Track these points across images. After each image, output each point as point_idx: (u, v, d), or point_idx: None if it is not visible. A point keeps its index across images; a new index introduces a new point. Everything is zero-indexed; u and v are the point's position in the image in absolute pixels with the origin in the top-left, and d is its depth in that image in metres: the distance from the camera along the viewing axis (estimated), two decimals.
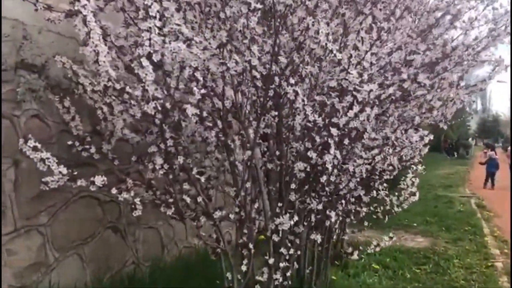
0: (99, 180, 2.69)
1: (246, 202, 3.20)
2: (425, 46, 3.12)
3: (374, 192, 4.26)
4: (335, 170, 3.11)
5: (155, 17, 2.36)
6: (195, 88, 2.60)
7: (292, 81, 2.57)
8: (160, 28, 2.46)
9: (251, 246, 3.12)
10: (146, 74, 2.30)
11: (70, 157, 3.42)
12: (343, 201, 3.91)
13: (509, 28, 3.25)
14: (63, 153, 3.42)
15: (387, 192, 4.38)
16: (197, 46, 2.65)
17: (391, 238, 3.91)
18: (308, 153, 2.79)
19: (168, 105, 2.59)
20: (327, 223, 3.26)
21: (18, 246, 3.45)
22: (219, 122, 3.03)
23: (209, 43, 2.88)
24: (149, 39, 2.31)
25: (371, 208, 4.35)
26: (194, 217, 3.06)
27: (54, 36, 3.56)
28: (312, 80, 3.26)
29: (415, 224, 9.05)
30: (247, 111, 3.34)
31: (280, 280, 3.09)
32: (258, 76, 2.79)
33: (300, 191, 3.29)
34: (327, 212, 3.17)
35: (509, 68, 3.40)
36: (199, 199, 3.07)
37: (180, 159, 2.86)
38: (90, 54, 2.27)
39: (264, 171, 3.39)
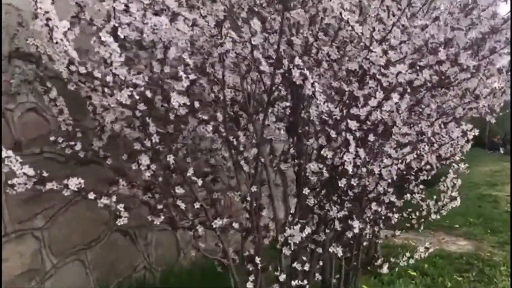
0: (73, 183, 2.22)
1: (253, 208, 2.67)
2: (469, 20, 2.49)
3: (408, 195, 3.62)
4: (359, 171, 2.53)
5: None
6: (181, 73, 2.09)
7: (299, 61, 2.01)
8: None
9: (258, 260, 2.59)
10: (110, 54, 1.81)
11: (73, 154, 3.00)
12: (371, 207, 3.32)
13: None
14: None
15: (423, 196, 3.73)
16: (186, 22, 2.13)
17: (427, 249, 3.28)
18: (322, 152, 2.23)
19: (148, 93, 2.09)
20: (350, 234, 2.67)
21: (8, 252, 3.07)
22: (219, 115, 2.50)
23: (207, 22, 2.36)
24: (114, 8, 1.81)
25: (404, 214, 3.71)
26: (190, 226, 2.55)
27: None
28: (334, 66, 2.69)
29: (457, 226, 8.21)
30: (255, 103, 2.80)
31: None
32: (262, 59, 2.25)
33: (319, 195, 2.74)
34: (349, 221, 2.59)
35: None
36: (197, 205, 2.56)
37: (170, 159, 2.36)
38: (42, 30, 1.79)
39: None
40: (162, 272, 4.38)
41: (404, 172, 3.19)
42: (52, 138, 2.76)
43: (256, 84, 2.73)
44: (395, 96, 2.03)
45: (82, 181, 2.27)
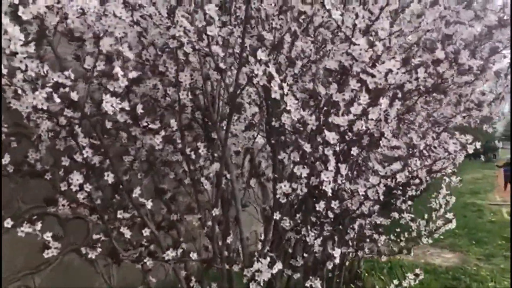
0: None
1: (215, 235, 2.18)
2: (471, 13, 2.05)
3: (396, 214, 3.17)
4: (340, 192, 2.07)
5: None
6: (117, 70, 1.61)
7: (261, 55, 1.53)
8: None
9: None
10: (11, 43, 1.33)
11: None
12: (354, 227, 2.87)
13: None
14: None
15: (412, 215, 3.27)
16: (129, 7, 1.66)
17: (417, 275, 2.81)
18: (295, 170, 1.76)
19: (74, 95, 1.60)
20: (330, 265, 2.20)
21: None
22: (172, 122, 2.02)
23: (157, 10, 1.89)
24: None
25: (391, 236, 3.25)
26: (137, 259, 2.05)
27: None
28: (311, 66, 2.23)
29: (441, 237, 7.79)
30: (220, 107, 2.33)
31: None
32: (221, 53, 1.78)
33: (294, 217, 2.27)
34: (329, 249, 2.12)
35: None
36: (146, 231, 2.07)
37: (109, 177, 1.87)
38: None
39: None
40: None
41: (390, 189, 2.75)
42: None
43: (222, 85, 2.26)
44: (383, 102, 1.58)
45: None
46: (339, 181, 2.01)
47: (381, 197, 2.26)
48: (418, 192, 3.48)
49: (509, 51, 2.31)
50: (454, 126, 3.07)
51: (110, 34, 1.67)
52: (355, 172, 2.14)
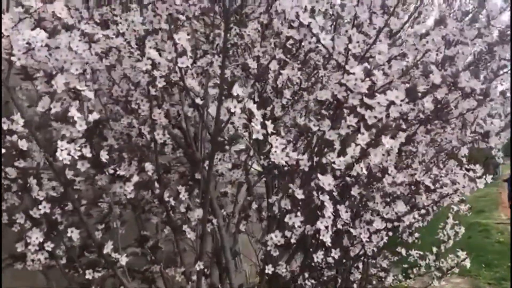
0: None
1: None
2: (475, 31, 1.83)
3: (403, 250, 2.90)
4: (340, 236, 1.82)
5: None
6: (73, 112, 1.37)
7: (239, 91, 1.28)
8: None
9: None
10: None
11: None
12: (358, 266, 2.62)
13: None
14: None
15: (420, 252, 3.00)
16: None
17: None
18: (287, 219, 1.51)
19: (24, 143, 1.37)
20: None
21: None
22: (147, 165, 1.79)
23: (125, 40, 1.68)
24: None
25: (400, 276, 2.98)
26: None
27: None
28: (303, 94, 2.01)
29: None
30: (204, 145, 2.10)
31: None
32: (195, 88, 1.55)
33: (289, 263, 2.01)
34: None
35: None
36: None
37: (73, 234, 1.61)
38: None
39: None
40: None
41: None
42: None
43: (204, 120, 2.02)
44: (387, 141, 1.33)
45: None
46: (339, 226, 1.76)
47: (385, 240, 2.01)
48: (425, 223, 3.22)
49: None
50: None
51: (65, 71, 1.44)
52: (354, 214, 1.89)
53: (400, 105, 1.31)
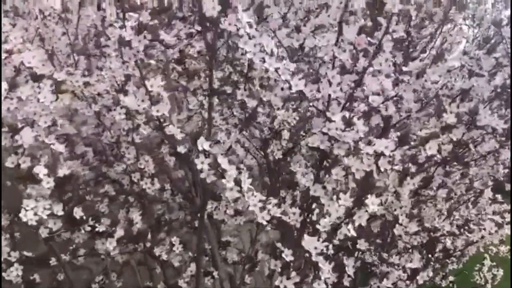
0: None
1: None
2: (493, 61, 1.63)
3: None
4: None
5: None
6: (40, 168, 1.28)
7: (205, 145, 1.14)
8: None
9: None
10: None
11: None
12: None
13: None
14: None
15: None
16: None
17: None
18: (278, 282, 1.34)
19: None
20: None
21: None
22: (136, 217, 1.67)
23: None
24: None
25: None
26: None
27: None
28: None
29: None
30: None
31: None
32: (177, 136, 1.42)
33: None
34: None
35: None
36: None
37: None
38: None
39: None
40: None
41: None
42: None
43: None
44: (371, 202, 1.14)
45: None
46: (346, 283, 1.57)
47: None
48: (461, 265, 2.95)
49: None
50: None
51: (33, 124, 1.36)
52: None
53: (390, 156, 1.13)
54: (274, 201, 1.31)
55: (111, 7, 1.44)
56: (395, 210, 1.65)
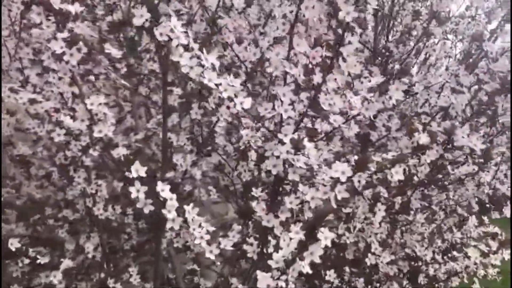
0: None
1: None
2: (472, 77, 1.51)
3: None
4: None
5: None
6: None
7: (163, 189, 1.00)
8: None
9: None
10: None
11: None
12: None
13: None
14: None
15: None
16: None
17: None
18: None
19: None
20: None
21: None
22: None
23: None
24: None
25: None
26: None
27: None
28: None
29: None
30: None
31: None
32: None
33: None
34: None
35: None
36: None
37: None
38: None
39: None
40: None
41: None
42: None
43: None
44: (323, 236, 1.00)
45: None
46: None
47: None
48: None
49: None
50: None
51: None
52: None
53: (347, 182, 1.00)
54: (237, 227, 1.19)
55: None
56: (369, 236, 1.52)
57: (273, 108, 1.10)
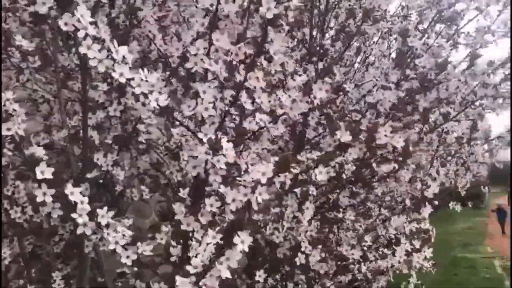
0: None
1: None
2: (398, 73, 1.53)
3: None
4: None
5: None
6: None
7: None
8: None
9: None
10: None
11: None
12: None
13: None
14: None
15: None
16: None
17: None
18: None
19: None
20: None
21: None
22: None
23: None
24: None
25: None
26: None
27: None
28: None
29: None
30: None
31: None
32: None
33: None
34: None
35: None
36: None
37: None
38: None
39: None
40: None
41: None
42: None
43: None
44: (241, 241, 0.96)
45: None
46: None
47: None
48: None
49: None
50: None
51: None
52: None
53: (269, 184, 0.97)
54: (165, 228, 1.13)
55: None
56: (299, 234, 1.50)
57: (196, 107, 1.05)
